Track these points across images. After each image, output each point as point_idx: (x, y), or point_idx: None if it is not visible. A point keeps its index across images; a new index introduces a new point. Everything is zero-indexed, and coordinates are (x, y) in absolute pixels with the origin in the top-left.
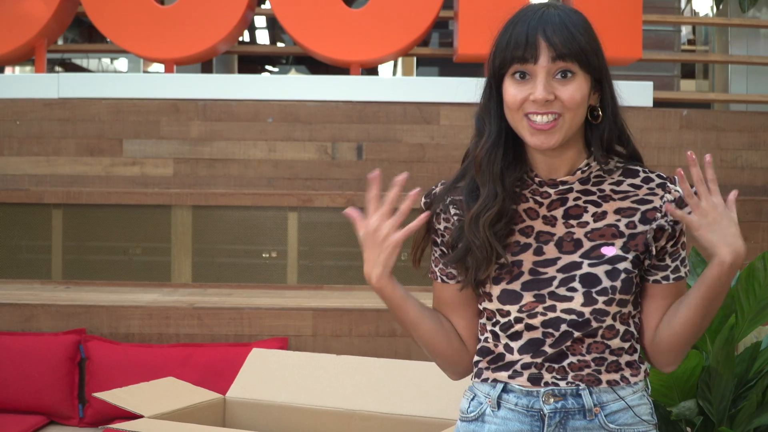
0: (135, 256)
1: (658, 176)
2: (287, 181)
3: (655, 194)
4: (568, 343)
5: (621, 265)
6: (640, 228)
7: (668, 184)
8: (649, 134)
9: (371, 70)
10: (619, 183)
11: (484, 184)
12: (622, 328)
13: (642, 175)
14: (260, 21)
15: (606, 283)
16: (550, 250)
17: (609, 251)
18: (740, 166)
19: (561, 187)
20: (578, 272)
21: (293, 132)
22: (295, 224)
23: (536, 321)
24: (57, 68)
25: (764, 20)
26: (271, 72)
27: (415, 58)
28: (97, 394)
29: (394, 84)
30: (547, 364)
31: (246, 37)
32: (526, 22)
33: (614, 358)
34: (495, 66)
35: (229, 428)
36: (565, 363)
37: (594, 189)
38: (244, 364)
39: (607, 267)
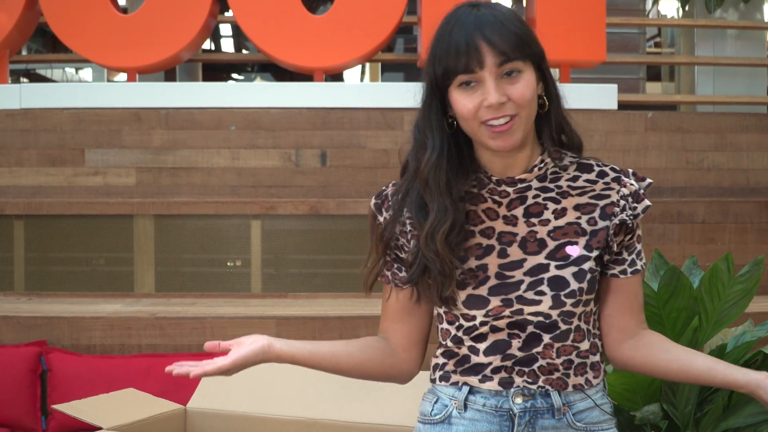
0: (98, 266)
1: (612, 170)
2: (251, 188)
3: (612, 188)
4: (539, 348)
5: (586, 266)
6: (601, 224)
7: (623, 177)
8: (614, 137)
9: (337, 76)
10: (575, 178)
11: (432, 200)
12: (585, 328)
13: (597, 169)
14: (225, 29)
15: (574, 285)
16: (515, 252)
17: (574, 251)
18: (706, 167)
19: (519, 185)
20: (546, 275)
21: (256, 139)
22: (258, 232)
23: (502, 323)
24: (22, 79)
25: (731, 21)
26: (236, 80)
27: (380, 64)
28: (57, 406)
29: (358, 90)
30: (517, 368)
31: (211, 45)
32: (462, 26)
33: (581, 360)
34: (437, 76)
35: None
36: (535, 366)
37: (552, 186)
38: None
39: (574, 269)
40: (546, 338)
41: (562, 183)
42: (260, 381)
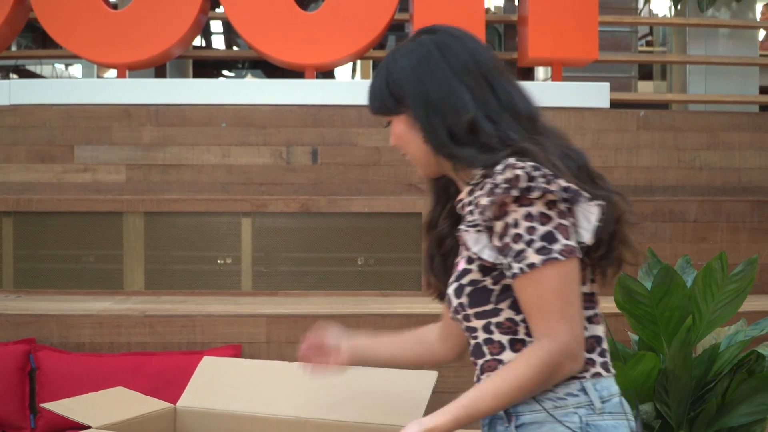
0: (87, 264)
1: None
2: (241, 186)
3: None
4: (477, 362)
5: (465, 279)
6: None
7: (485, 180)
8: (606, 135)
9: (328, 74)
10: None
11: None
12: (505, 339)
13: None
14: (216, 26)
15: (455, 301)
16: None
17: (461, 265)
18: (698, 166)
19: (458, 205)
20: (447, 292)
21: (247, 137)
22: (249, 230)
23: None
24: (11, 75)
25: (723, 20)
26: (226, 77)
27: (371, 62)
28: (45, 405)
29: (349, 87)
30: (480, 376)
31: (202, 42)
32: None
33: None
34: None
35: None
36: (483, 376)
37: (472, 199)
38: (195, 372)
39: (455, 285)
40: (470, 353)
41: (477, 194)
42: (252, 380)
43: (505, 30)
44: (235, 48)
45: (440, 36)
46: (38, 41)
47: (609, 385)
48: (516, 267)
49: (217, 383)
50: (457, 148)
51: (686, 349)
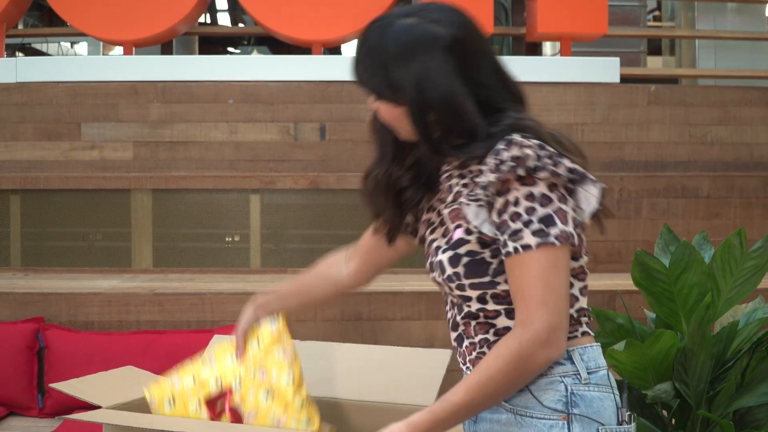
0: (95, 241)
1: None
2: (249, 163)
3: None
4: (462, 327)
5: (462, 249)
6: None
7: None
8: (616, 110)
9: (335, 49)
10: (480, 164)
11: None
12: (501, 308)
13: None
14: (222, 3)
15: (449, 270)
16: (427, 233)
17: (457, 234)
18: (710, 141)
19: (444, 176)
20: (434, 259)
21: (255, 113)
22: (257, 207)
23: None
24: (18, 53)
25: None
26: (232, 53)
27: None
28: (53, 385)
29: None
30: (458, 349)
31: (207, 19)
32: None
33: (497, 338)
34: None
35: (182, 417)
36: (463, 347)
37: (465, 172)
38: (206, 350)
39: (450, 253)
40: (458, 317)
41: (472, 169)
42: None
43: (513, 4)
44: (241, 25)
45: (434, 18)
46: (45, 19)
47: (596, 356)
48: (511, 246)
49: None
50: (452, 150)
51: (705, 327)
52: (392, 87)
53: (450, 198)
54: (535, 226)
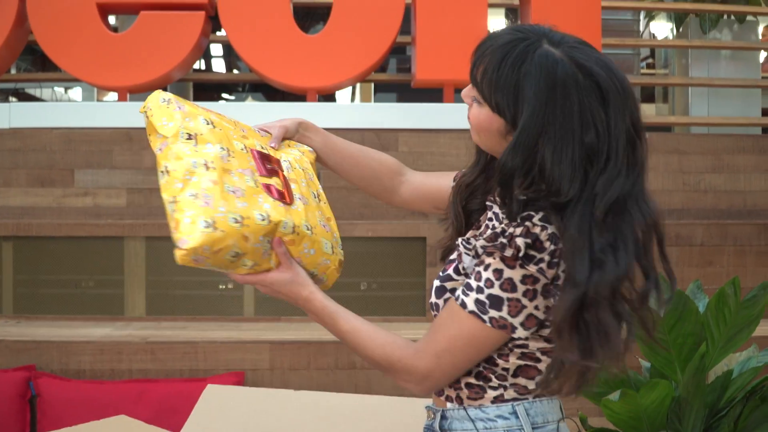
0: (88, 289)
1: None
2: None
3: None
4: None
5: (449, 285)
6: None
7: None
8: None
9: (328, 97)
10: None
11: None
12: None
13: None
14: (216, 49)
15: (433, 299)
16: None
17: (449, 269)
18: (703, 189)
19: (488, 202)
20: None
21: None
22: None
23: None
24: (11, 98)
25: (725, 41)
26: (227, 100)
27: (372, 84)
28: None
29: (352, 110)
30: None
31: (202, 65)
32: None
33: (475, 368)
34: None
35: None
36: None
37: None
38: (198, 402)
39: (438, 284)
40: None
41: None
42: (255, 409)
43: None
44: (235, 71)
45: (580, 65)
46: (38, 64)
47: (546, 411)
48: (458, 291)
49: (220, 413)
50: (514, 191)
51: (700, 376)
52: (512, 105)
53: (480, 230)
54: (482, 298)
